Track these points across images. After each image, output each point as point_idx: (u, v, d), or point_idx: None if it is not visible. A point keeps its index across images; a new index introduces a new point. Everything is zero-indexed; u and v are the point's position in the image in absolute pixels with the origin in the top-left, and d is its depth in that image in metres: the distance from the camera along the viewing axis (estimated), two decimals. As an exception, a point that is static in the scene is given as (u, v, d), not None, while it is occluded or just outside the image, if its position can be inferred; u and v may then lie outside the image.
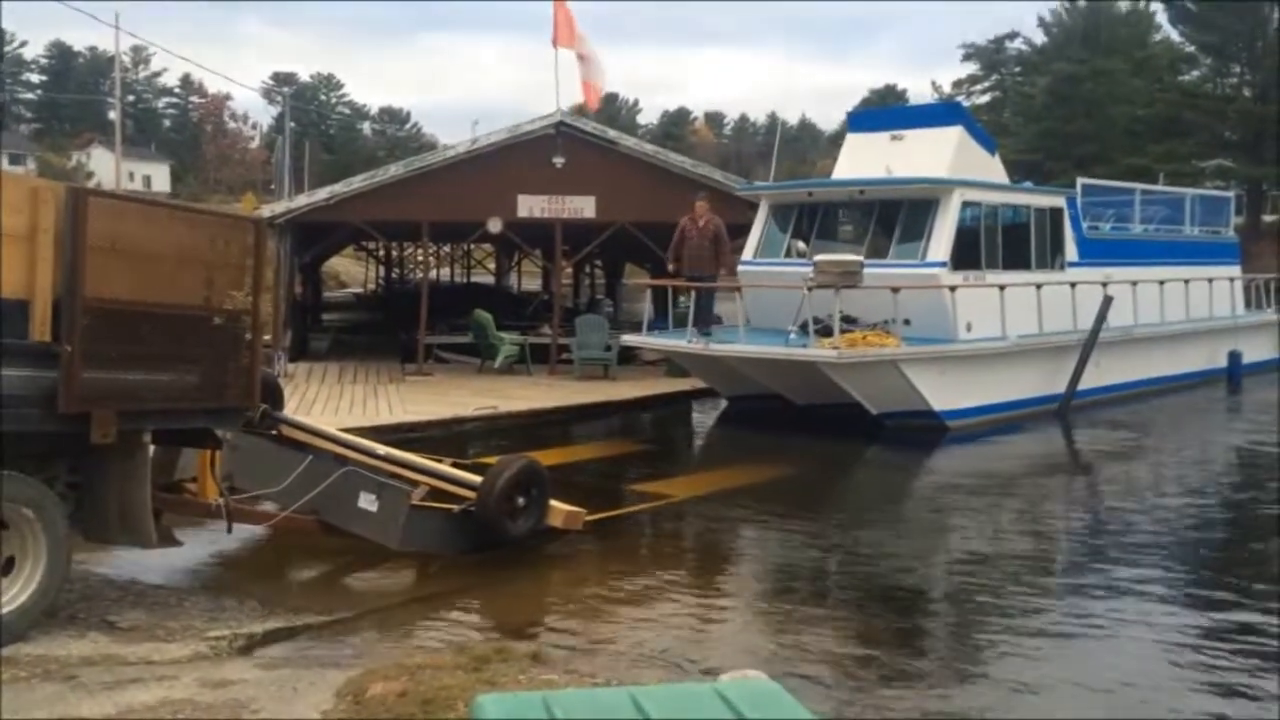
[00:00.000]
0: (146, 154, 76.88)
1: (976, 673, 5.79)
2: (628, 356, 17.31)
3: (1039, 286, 14.55)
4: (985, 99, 59.30)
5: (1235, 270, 20.64)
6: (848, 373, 12.56)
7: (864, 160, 15.41)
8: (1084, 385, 15.02)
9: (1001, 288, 13.90)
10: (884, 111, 16.49)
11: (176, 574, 7.01)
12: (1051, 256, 15.68)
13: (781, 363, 13.00)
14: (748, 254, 15.41)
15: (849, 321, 12.95)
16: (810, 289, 12.73)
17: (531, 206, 16.81)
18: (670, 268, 15.04)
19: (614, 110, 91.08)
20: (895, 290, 12.74)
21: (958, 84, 60.34)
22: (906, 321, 13.06)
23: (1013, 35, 58.26)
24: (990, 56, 59.28)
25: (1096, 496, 11.10)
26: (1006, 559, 8.11)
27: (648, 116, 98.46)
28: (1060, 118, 49.10)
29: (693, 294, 14.28)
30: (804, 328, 12.85)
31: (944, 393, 13.14)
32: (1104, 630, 6.41)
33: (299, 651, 5.68)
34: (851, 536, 8.86)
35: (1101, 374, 15.47)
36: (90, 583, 6.35)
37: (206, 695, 4.65)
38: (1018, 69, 58.38)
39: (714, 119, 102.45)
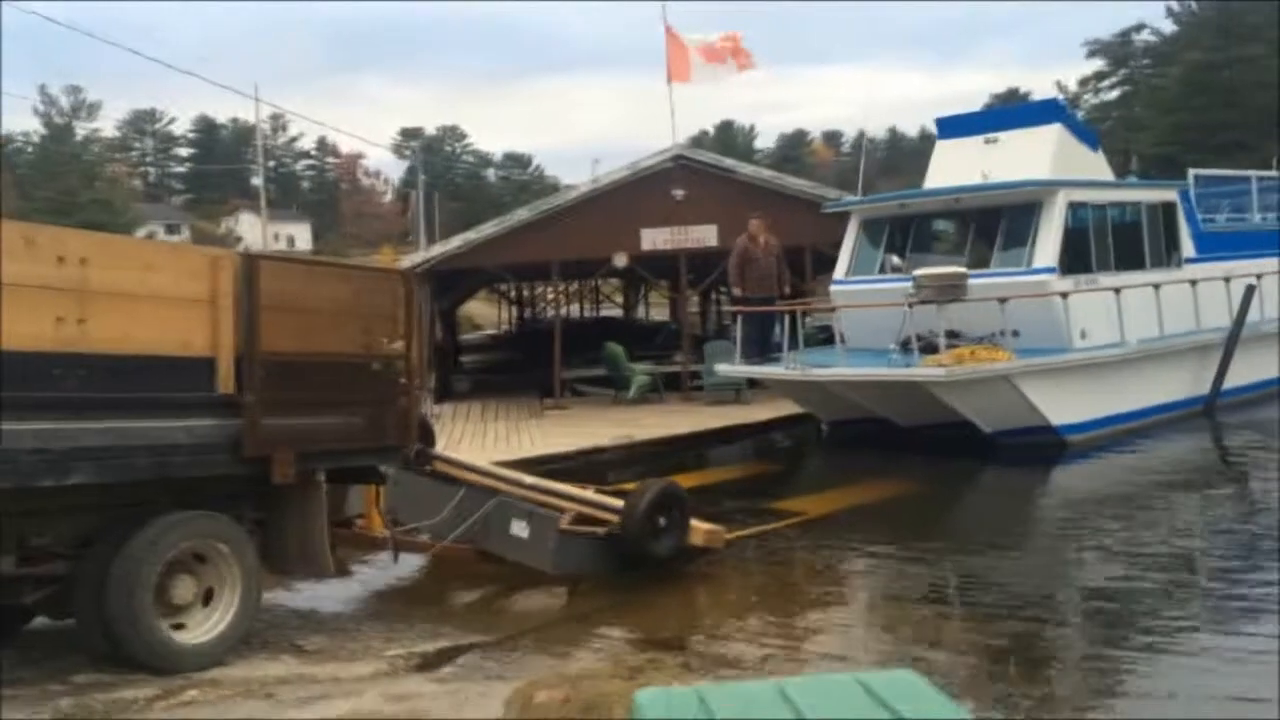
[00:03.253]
0: (289, 215, 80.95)
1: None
2: (757, 379, 17.47)
3: (1157, 287, 13.88)
4: (1114, 94, 57.65)
5: None
6: (957, 391, 12.01)
7: (957, 167, 14.80)
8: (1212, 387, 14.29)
9: (1116, 290, 13.25)
10: (975, 115, 15.89)
11: (351, 602, 7.58)
12: (1167, 254, 14.93)
13: (885, 384, 12.52)
14: (839, 273, 14.98)
15: (953, 337, 12.42)
16: (912, 305, 12.26)
17: (655, 239, 17.27)
18: (735, 292, 14.70)
19: (730, 136, 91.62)
20: (1002, 301, 12.23)
21: (1084, 82, 58.87)
22: (1015, 333, 12.45)
23: (1139, 27, 56.62)
24: (1116, 51, 57.65)
25: (1238, 513, 10.14)
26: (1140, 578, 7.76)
27: (764, 140, 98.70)
28: (1196, 108, 47.40)
29: (755, 319, 13.90)
30: (906, 346, 12.41)
31: (1061, 406, 12.51)
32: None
33: (467, 667, 6.11)
34: (981, 553, 8.82)
35: (1230, 374, 14.59)
36: (276, 612, 6.94)
37: (390, 707, 5.09)
38: (1146, 61, 56.61)
39: (831, 137, 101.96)
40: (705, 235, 17.21)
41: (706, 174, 17.24)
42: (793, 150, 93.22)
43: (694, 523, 7.98)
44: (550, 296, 35.00)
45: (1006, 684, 5.60)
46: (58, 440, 4.89)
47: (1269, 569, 7.53)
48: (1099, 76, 58.49)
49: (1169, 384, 14.03)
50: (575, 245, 17.22)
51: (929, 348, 12.25)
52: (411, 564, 8.24)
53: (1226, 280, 14.69)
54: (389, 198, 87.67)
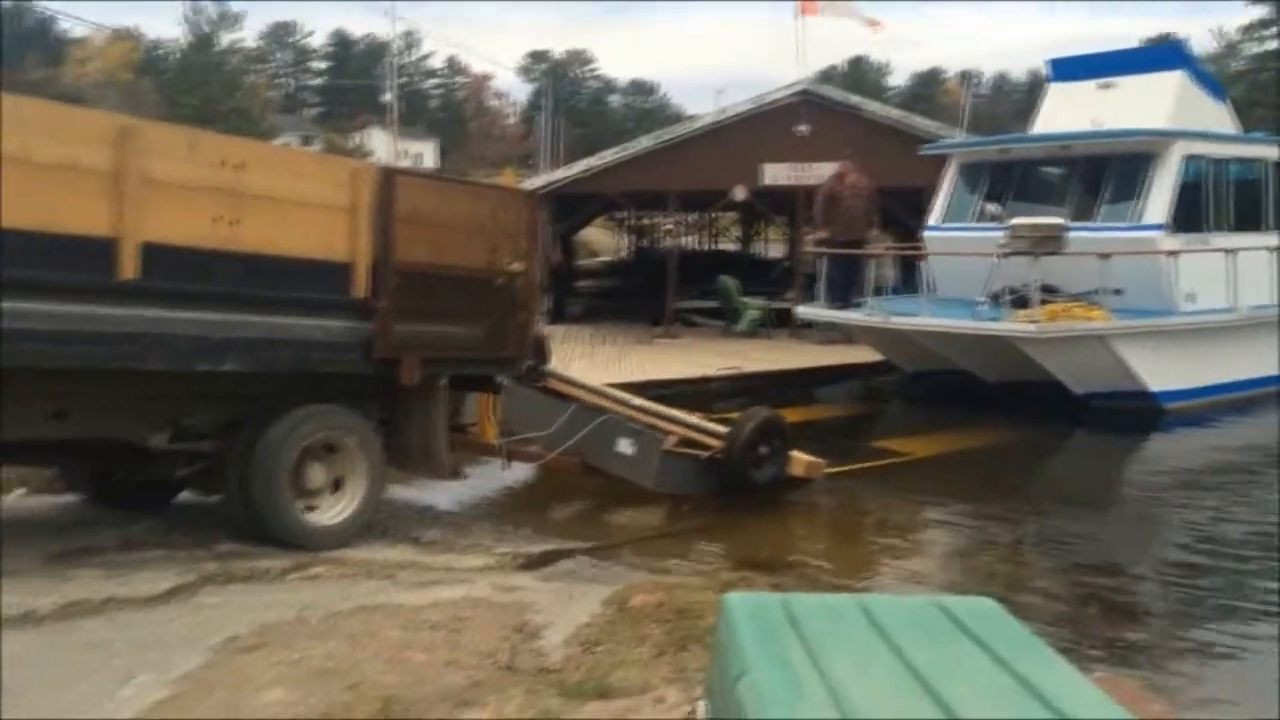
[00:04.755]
0: (416, 133, 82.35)
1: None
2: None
3: (1275, 250, 13.11)
4: (1275, 44, 54.34)
5: None
6: (1047, 349, 11.52)
7: (1068, 112, 13.99)
8: None
9: (1230, 252, 12.55)
10: (1092, 57, 14.58)
11: (463, 503, 8.06)
12: None
13: (971, 337, 12.00)
14: (933, 219, 14.44)
15: (1048, 292, 11.87)
16: (1005, 255, 11.78)
17: (775, 174, 17.24)
18: (821, 234, 14.31)
19: (860, 73, 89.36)
20: (1104, 256, 11.62)
21: (1247, 29, 55.59)
22: (1117, 291, 11.82)
23: (1309, -28, 53.01)
24: (1283, -2, 54.14)
25: None
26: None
27: (897, 78, 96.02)
28: (1365, 61, 44.40)
29: (843, 262, 13.53)
30: (996, 299, 11.96)
31: (1161, 371, 11.98)
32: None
33: (569, 569, 6.50)
34: (1069, 514, 8.80)
35: None
36: (396, 506, 7.42)
37: (499, 596, 5.48)
38: (1315, 9, 53.08)
39: (968, 78, 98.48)
40: (827, 172, 17.07)
41: (832, 110, 17.10)
42: (925, 89, 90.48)
43: (795, 454, 8.20)
44: (667, 227, 35.13)
45: (1087, 626, 5.73)
46: (213, 330, 5.35)
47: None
48: (1262, 25, 55.19)
49: None
50: (695, 176, 17.32)
51: (1020, 301, 11.80)
52: (520, 472, 8.65)
53: None
54: (513, 120, 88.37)
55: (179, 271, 5.21)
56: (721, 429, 8.18)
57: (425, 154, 78.22)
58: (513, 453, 8.17)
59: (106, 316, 4.92)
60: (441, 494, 8.00)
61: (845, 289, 13.78)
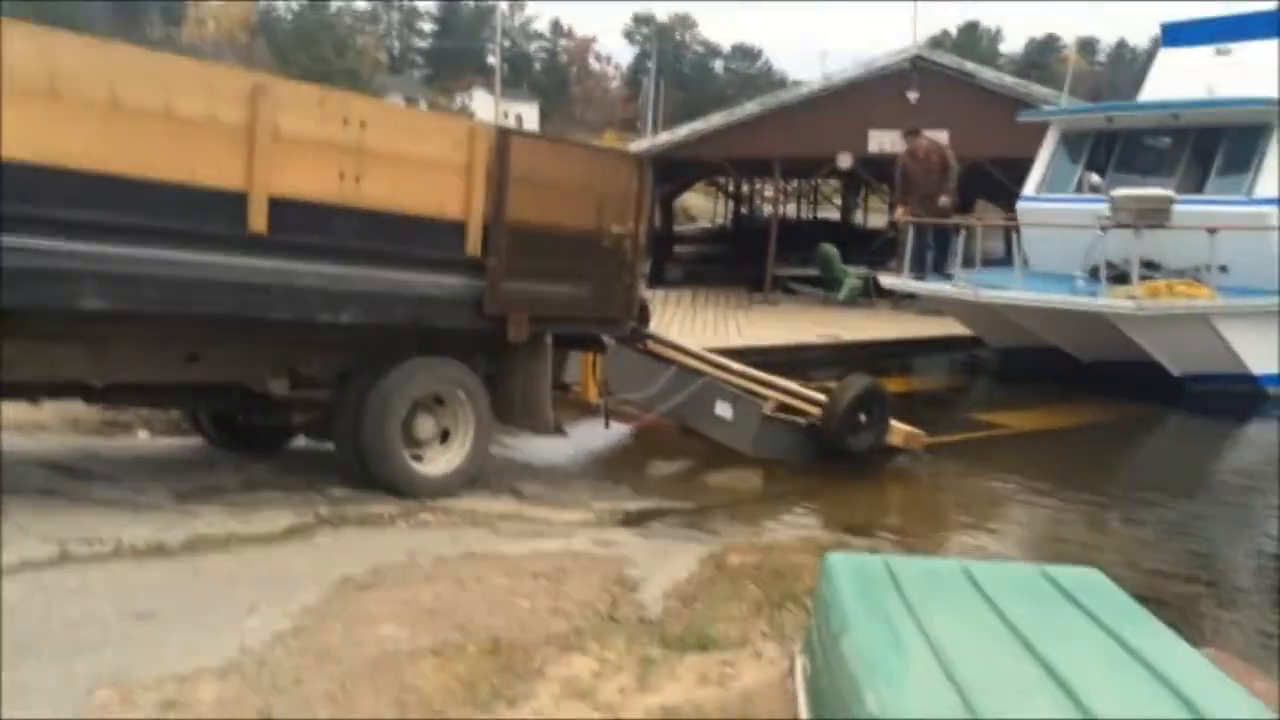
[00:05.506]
0: (519, 94, 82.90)
1: None
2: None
3: None
4: None
5: None
6: (1146, 327, 11.07)
7: (1180, 79, 13.37)
8: None
9: None
10: (1207, 22, 13.74)
11: (564, 459, 8.23)
12: None
13: (1065, 313, 11.55)
14: (1030, 188, 13.91)
15: (1150, 268, 11.46)
16: (1105, 229, 11.27)
17: (882, 142, 16.98)
18: (899, 211, 14.01)
19: (973, 40, 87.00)
20: (1212, 231, 11.11)
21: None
22: (1222, 269, 11.35)
23: None
24: None
25: None
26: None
27: (1011, 45, 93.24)
28: None
29: (930, 234, 13.18)
30: (1094, 273, 11.47)
31: (1266, 354, 11.45)
32: None
33: (666, 527, 6.62)
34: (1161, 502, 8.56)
35: None
36: (498, 459, 7.63)
37: (598, 550, 5.62)
38: None
39: (1086, 45, 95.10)
40: (938, 140, 16.79)
41: (944, 77, 16.74)
42: (1041, 57, 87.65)
43: (894, 423, 8.17)
44: (768, 194, 34.85)
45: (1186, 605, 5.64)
46: (334, 283, 5.56)
47: None
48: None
49: None
50: (801, 142, 17.17)
51: (1120, 277, 11.33)
52: (620, 432, 8.79)
53: None
54: (616, 84, 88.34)
55: (304, 225, 5.41)
56: (821, 396, 8.19)
57: (527, 116, 78.79)
58: (613, 412, 8.31)
59: (237, 267, 5.15)
60: (543, 450, 8.18)
61: (925, 260, 13.49)
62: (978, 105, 16.41)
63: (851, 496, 7.80)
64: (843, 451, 8.00)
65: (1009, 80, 17.70)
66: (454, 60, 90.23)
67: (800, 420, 8.11)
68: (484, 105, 67.00)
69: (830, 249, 18.08)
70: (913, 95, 16.58)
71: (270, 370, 6.02)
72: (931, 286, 13.38)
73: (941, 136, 16.68)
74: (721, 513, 7.22)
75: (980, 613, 3.28)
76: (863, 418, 8.01)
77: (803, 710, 3.36)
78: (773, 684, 3.71)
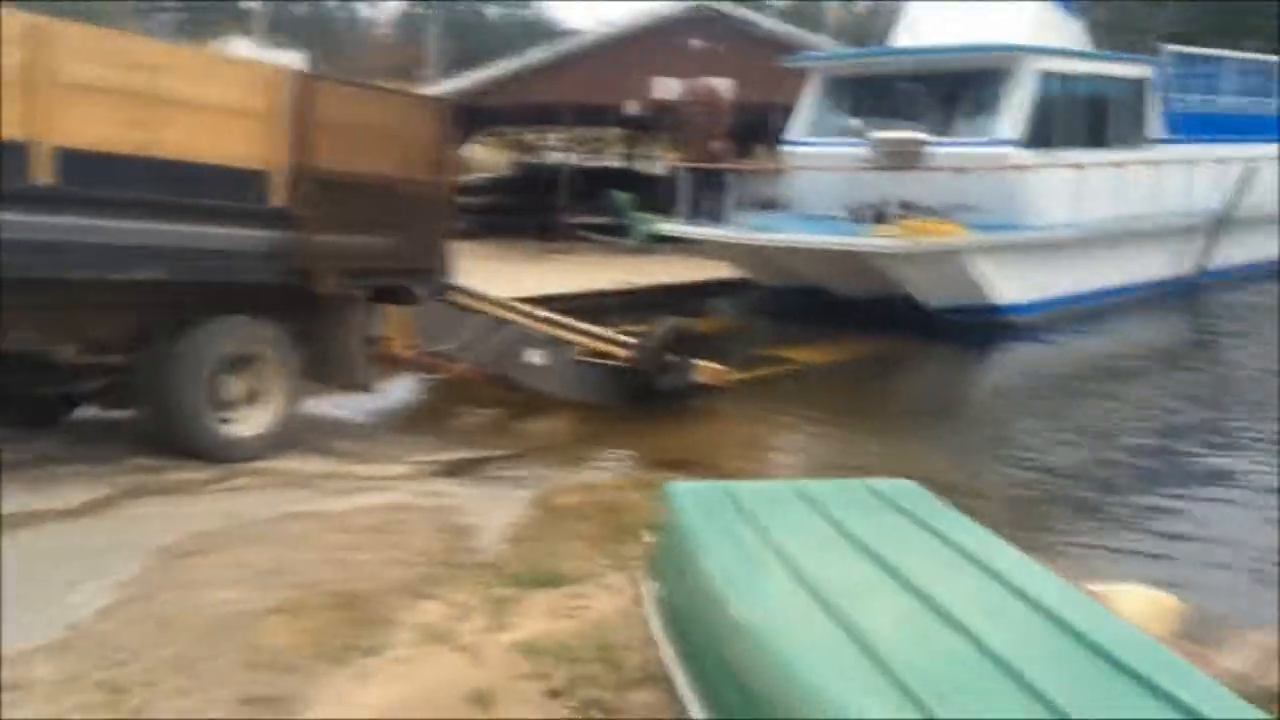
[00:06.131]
0: (281, 41, 78.69)
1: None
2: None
3: (1119, 167, 13.27)
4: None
5: None
6: (905, 264, 11.40)
7: (929, 28, 13.85)
8: (1166, 274, 14.20)
9: (1079, 168, 12.66)
10: None
11: (375, 415, 8.08)
12: (1134, 133, 14.27)
13: (830, 253, 11.76)
14: (794, 132, 14.14)
15: (906, 208, 11.86)
16: (866, 170, 11.69)
17: (667, 89, 17.24)
18: (678, 152, 14.27)
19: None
20: (961, 172, 11.61)
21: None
22: (971, 207, 11.85)
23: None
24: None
25: (1165, 399, 10.14)
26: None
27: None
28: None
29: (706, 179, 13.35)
30: (857, 214, 11.89)
31: (1011, 285, 12.08)
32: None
33: (488, 475, 6.64)
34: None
35: (1177, 262, 14.43)
36: (307, 419, 7.38)
37: (424, 501, 5.59)
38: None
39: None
40: (718, 88, 17.21)
41: (724, 25, 17.12)
42: (807, 6, 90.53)
43: (700, 362, 8.45)
44: (552, 143, 34.74)
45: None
46: (128, 237, 5.23)
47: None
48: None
49: (1130, 267, 13.72)
50: (588, 90, 17.21)
51: (880, 217, 11.69)
52: (429, 385, 8.69)
53: (1193, 164, 14.22)
54: (385, 31, 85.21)
55: (93, 177, 5.06)
56: (630, 339, 8.36)
57: (293, 65, 74.93)
58: (423, 365, 8.20)
59: (20, 223, 4.76)
60: (351, 407, 7.99)
61: (699, 205, 13.50)
62: (757, 53, 16.86)
63: (664, 433, 8.04)
64: (653, 391, 8.21)
65: (786, 29, 18.30)
66: (209, 4, 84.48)
67: (611, 363, 8.26)
68: (244, 53, 63.27)
69: (622, 195, 18.27)
70: (695, 43, 16.89)
71: (57, 335, 5.61)
72: (705, 231, 13.38)
73: (723, 84, 17.13)
74: (540, 457, 7.30)
75: (818, 525, 3.50)
76: (672, 358, 8.24)
77: (658, 631, 3.50)
78: (623, 611, 3.85)
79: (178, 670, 3.27)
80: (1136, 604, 4.27)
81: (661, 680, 3.33)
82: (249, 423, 6.23)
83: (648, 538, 4.71)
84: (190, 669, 3.29)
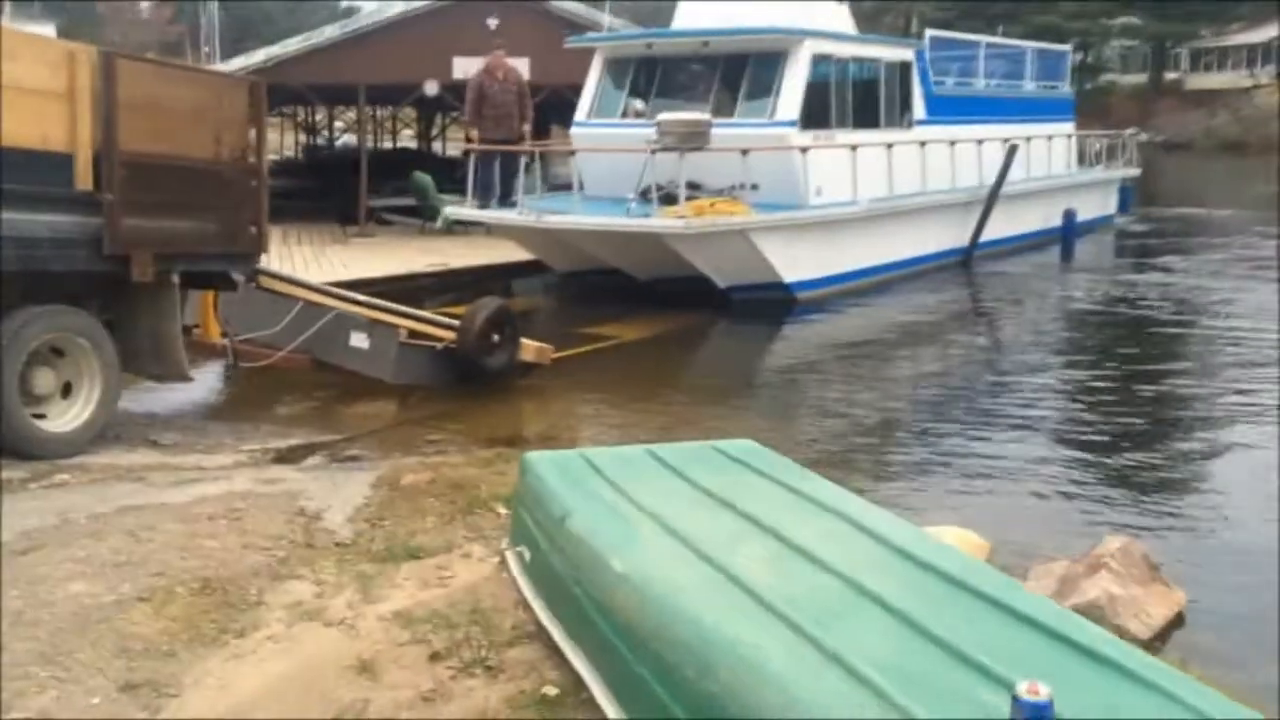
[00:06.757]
0: (32, 12, 72.77)
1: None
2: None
3: (890, 146, 13.77)
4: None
5: (1070, 127, 20.25)
6: (694, 244, 11.51)
7: (708, 11, 13.91)
8: (938, 248, 15.02)
9: (853, 148, 13.08)
10: None
11: (193, 406, 7.81)
12: (901, 114, 14.88)
13: (621, 235, 11.86)
14: (581, 114, 14.19)
15: (694, 188, 11.95)
16: (654, 152, 11.63)
17: (468, 69, 17.09)
18: (473, 132, 13.92)
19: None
20: (744, 152, 11.81)
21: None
22: (754, 187, 12.10)
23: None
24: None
25: (950, 359, 11.10)
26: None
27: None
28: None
29: (499, 161, 13.11)
30: (645, 195, 11.85)
31: (794, 263, 12.43)
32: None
33: (323, 460, 6.59)
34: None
35: (947, 236, 15.24)
36: (121, 413, 7.09)
37: (264, 488, 5.51)
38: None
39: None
40: (518, 68, 17.22)
41: (521, 4, 17.14)
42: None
43: (524, 340, 8.59)
44: (341, 124, 33.86)
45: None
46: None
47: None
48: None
49: (908, 242, 14.41)
50: (385, 69, 16.85)
51: (668, 198, 11.71)
52: (247, 373, 8.46)
53: (952, 144, 15.00)
54: (150, 4, 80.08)
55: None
56: (453, 320, 8.40)
57: (50, 37, 69.35)
58: (240, 352, 7.99)
59: None
60: (165, 398, 7.71)
61: (490, 188, 13.29)
62: (553, 33, 16.97)
63: (492, 412, 8.14)
64: (480, 371, 8.29)
65: (580, 8, 18.44)
66: (-56, -30, 77.05)
67: (436, 345, 8.28)
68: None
69: (425, 177, 18.02)
70: (492, 22, 16.79)
71: None
72: (496, 214, 13.25)
73: (522, 64, 17.15)
74: (372, 440, 7.29)
75: (676, 484, 3.76)
76: (496, 338, 8.33)
77: (529, 593, 3.67)
78: (489, 578, 3.99)
79: (46, 662, 3.20)
80: (950, 542, 4.74)
81: (536, 638, 3.51)
82: (66, 416, 5.98)
83: (503, 510, 4.89)
84: (59, 660, 3.22)
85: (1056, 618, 2.64)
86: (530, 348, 8.59)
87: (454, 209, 14.49)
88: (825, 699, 2.18)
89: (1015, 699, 1.93)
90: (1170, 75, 52.70)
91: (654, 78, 14.02)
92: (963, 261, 15.79)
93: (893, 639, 2.47)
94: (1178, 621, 4.53)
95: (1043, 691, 1.93)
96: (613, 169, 12.74)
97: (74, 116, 5.69)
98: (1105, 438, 7.63)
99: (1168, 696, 2.21)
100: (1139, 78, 53.07)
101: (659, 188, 11.85)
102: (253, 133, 6.91)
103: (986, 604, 2.68)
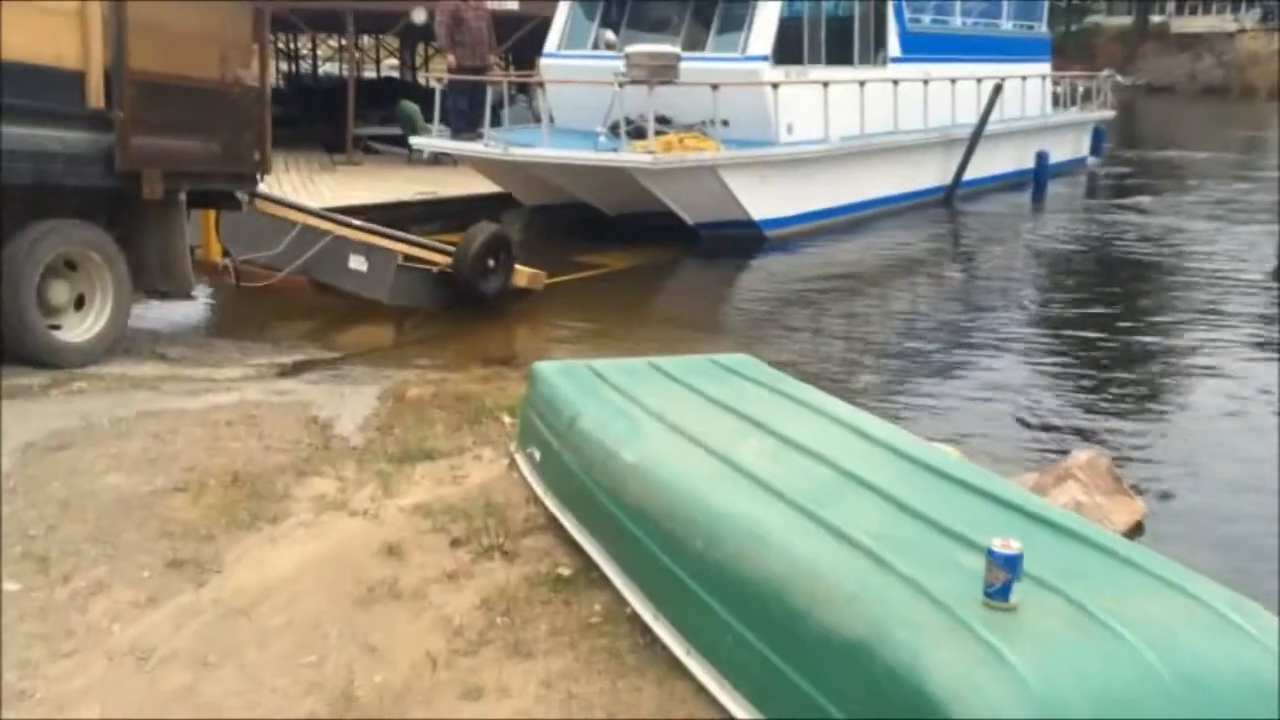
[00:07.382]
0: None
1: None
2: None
3: (863, 84, 13.57)
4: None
5: (1046, 68, 20.08)
6: (663, 180, 11.38)
7: None
8: (908, 188, 14.90)
9: (825, 85, 12.89)
10: None
11: (192, 324, 8.01)
12: (875, 51, 14.65)
13: (590, 169, 11.73)
14: (551, 45, 14.03)
15: (663, 123, 11.81)
16: (622, 85, 11.50)
17: (454, -3, 16.99)
18: (450, 59, 13.69)
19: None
20: (714, 87, 11.56)
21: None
22: (724, 123, 11.84)
23: None
24: None
25: (923, 294, 11.27)
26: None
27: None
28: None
29: (473, 91, 12.92)
30: (615, 129, 11.73)
31: (764, 200, 12.32)
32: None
33: (328, 375, 6.82)
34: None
35: (924, 175, 15.22)
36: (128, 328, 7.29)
37: (275, 399, 5.75)
38: None
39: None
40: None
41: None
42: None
43: (519, 266, 8.80)
44: (323, 52, 33.52)
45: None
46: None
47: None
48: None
49: (883, 180, 14.32)
50: (373, -4, 16.79)
51: (637, 133, 11.56)
52: (248, 293, 8.64)
53: (925, 82, 14.87)
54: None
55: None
56: (449, 245, 8.59)
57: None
58: (243, 273, 8.17)
59: None
60: (167, 315, 7.89)
61: (469, 118, 13.14)
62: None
63: (486, 335, 8.39)
64: (474, 295, 8.51)
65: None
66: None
67: (432, 269, 8.48)
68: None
69: (412, 106, 17.95)
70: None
71: None
72: (460, 145, 13.09)
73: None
74: (372, 358, 7.52)
75: (678, 390, 4.03)
76: (491, 263, 8.54)
77: (539, 490, 3.95)
78: (500, 477, 4.25)
79: (97, 541, 3.46)
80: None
81: (547, 529, 3.79)
82: (80, 328, 6.17)
83: (508, 419, 5.16)
84: (108, 540, 3.48)
85: (1031, 502, 2.94)
86: (524, 274, 8.81)
87: (419, 139, 14.36)
88: (822, 558, 2.47)
89: (990, 552, 2.21)
90: (1156, 18, 52.64)
91: (625, 9, 13.78)
92: (944, 200, 15.95)
93: (882, 515, 2.75)
94: (1138, 529, 4.87)
95: (1014, 545, 2.21)
96: (582, 102, 12.50)
97: (86, 35, 5.81)
98: (1075, 362, 7.97)
99: (1127, 563, 2.51)
100: (1125, 20, 53.00)
101: (628, 122, 11.71)
102: (258, 55, 7.02)
103: (969, 490, 2.96)
